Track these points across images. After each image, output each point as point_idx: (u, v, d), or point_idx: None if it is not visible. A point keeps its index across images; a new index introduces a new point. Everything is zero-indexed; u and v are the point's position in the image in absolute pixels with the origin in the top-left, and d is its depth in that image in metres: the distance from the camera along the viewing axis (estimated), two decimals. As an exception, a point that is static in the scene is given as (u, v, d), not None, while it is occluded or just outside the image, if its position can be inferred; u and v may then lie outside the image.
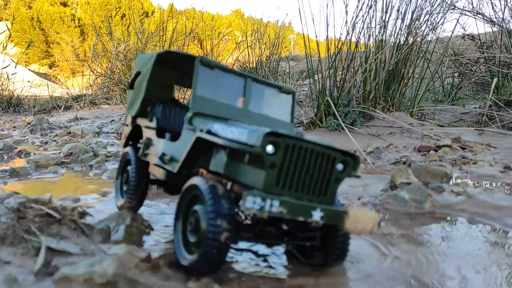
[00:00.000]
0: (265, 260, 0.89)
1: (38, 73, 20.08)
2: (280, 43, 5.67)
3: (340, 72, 2.77)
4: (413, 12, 2.77)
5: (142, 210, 1.19)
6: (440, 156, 1.90)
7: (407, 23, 2.74)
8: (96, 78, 6.63)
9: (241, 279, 0.79)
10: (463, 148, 2.04)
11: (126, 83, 5.40)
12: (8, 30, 5.93)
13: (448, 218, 1.16)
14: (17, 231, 0.80)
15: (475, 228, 1.07)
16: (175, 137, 1.03)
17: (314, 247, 0.87)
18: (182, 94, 4.34)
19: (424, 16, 2.78)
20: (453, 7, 3.83)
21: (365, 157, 1.95)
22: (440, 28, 2.99)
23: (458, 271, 0.81)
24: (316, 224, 0.76)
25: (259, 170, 0.74)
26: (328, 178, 0.77)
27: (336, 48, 2.77)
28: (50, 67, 22.45)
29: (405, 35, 2.74)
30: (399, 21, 2.77)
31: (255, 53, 5.56)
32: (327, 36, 2.84)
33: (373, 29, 2.75)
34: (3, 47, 5.63)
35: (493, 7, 4.22)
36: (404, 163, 1.85)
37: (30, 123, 3.95)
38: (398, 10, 2.78)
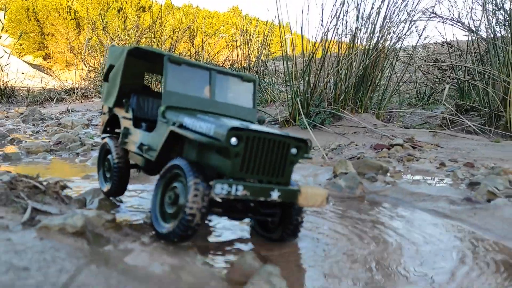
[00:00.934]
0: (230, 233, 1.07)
1: (32, 64, 20.06)
2: (268, 43, 5.85)
3: (313, 76, 2.99)
4: (382, 21, 2.99)
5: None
6: (390, 153, 2.13)
7: (376, 32, 2.97)
8: (89, 72, 6.79)
9: (207, 246, 0.98)
10: (414, 147, 2.27)
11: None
12: (0, 21, 6.06)
13: (373, 201, 1.39)
14: (9, 196, 1.01)
15: (388, 208, 1.29)
16: (150, 126, 1.16)
17: (274, 223, 1.01)
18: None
19: (392, 25, 3.01)
20: (435, 15, 4.08)
21: (323, 153, 2.17)
22: (407, 35, 3.21)
23: (373, 235, 1.03)
24: (275, 201, 0.88)
25: (226, 159, 0.87)
26: (284, 161, 0.91)
27: (310, 53, 2.99)
28: (45, 58, 22.41)
29: (374, 43, 2.97)
30: (369, 29, 3.00)
31: (243, 53, 5.76)
32: (302, 41, 3.06)
33: (345, 36, 2.98)
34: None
35: (471, 17, 4.48)
36: (358, 158, 2.08)
37: (22, 114, 4.13)
38: (369, 18, 3.01)
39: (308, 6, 3.19)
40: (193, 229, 0.84)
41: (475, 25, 3.95)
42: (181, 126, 0.96)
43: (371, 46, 2.96)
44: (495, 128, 2.81)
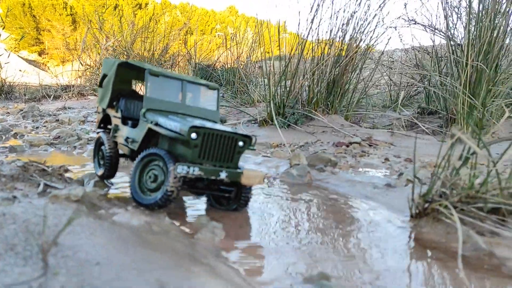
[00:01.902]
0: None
1: (27, 60, 20.16)
2: (261, 43, 6.12)
3: (289, 80, 3.32)
4: (353, 30, 3.32)
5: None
6: (347, 150, 2.46)
7: (346, 39, 3.30)
8: (85, 70, 7.06)
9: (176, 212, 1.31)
10: (370, 145, 2.60)
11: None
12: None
13: (316, 186, 1.71)
14: (25, 175, 1.32)
15: (324, 191, 1.62)
16: (134, 123, 1.41)
17: (229, 198, 1.33)
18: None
19: (361, 34, 3.34)
20: (414, 22, 4.42)
21: (288, 149, 2.50)
22: (377, 43, 3.55)
23: (304, 208, 1.35)
24: (225, 180, 1.18)
25: (188, 149, 1.17)
26: (233, 151, 1.21)
27: (286, 59, 3.32)
28: (40, 54, 22.52)
29: (344, 51, 3.30)
30: (341, 37, 3.33)
31: (233, 55, 6.07)
32: (279, 46, 3.38)
33: (318, 44, 3.30)
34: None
35: (447, 25, 4.82)
36: (315, 153, 2.41)
37: (22, 110, 4.41)
38: (343, 26, 3.34)
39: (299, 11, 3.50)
40: (170, 201, 1.15)
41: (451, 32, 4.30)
42: (156, 124, 1.25)
43: (342, 53, 3.28)
44: (449, 130, 3.15)
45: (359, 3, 3.30)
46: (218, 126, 1.23)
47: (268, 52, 5.84)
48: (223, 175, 1.17)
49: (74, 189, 1.18)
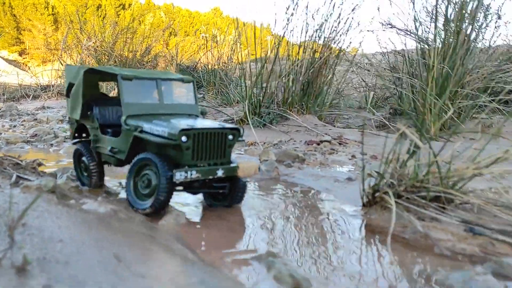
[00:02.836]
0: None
1: (7, 60, 19.77)
2: (237, 47, 6.21)
3: (264, 81, 3.42)
4: (327, 32, 3.44)
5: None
6: (317, 148, 2.57)
7: (320, 42, 3.42)
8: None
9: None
10: (340, 144, 2.72)
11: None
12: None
13: (283, 181, 1.81)
14: (-1, 168, 1.38)
15: (289, 185, 1.72)
16: (115, 131, 1.38)
17: (224, 194, 1.33)
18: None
19: (334, 37, 3.47)
20: (391, 26, 4.58)
21: (261, 147, 2.59)
22: (350, 45, 3.68)
23: (267, 199, 1.44)
24: (221, 177, 1.19)
25: (180, 152, 1.15)
26: (224, 146, 1.21)
27: (263, 60, 3.42)
28: (20, 54, 22.12)
29: (319, 53, 3.42)
30: (316, 39, 3.44)
31: (213, 56, 6.15)
32: (255, 50, 3.48)
33: (292, 46, 3.42)
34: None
35: (416, 28, 5.00)
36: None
37: (0, 109, 4.39)
38: (315, 31, 3.46)
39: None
40: (165, 204, 1.16)
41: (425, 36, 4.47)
42: (142, 131, 1.22)
43: (316, 55, 3.40)
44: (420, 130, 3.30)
45: (333, 7, 3.43)
46: (206, 123, 1.23)
47: (253, 54, 5.96)
48: (220, 173, 1.19)
49: (45, 180, 1.24)
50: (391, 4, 3.56)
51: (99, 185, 1.48)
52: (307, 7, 3.33)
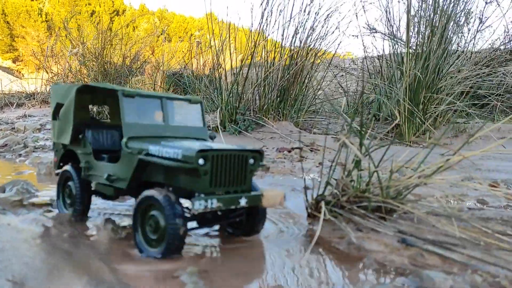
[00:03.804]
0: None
1: (0, 67, 19.73)
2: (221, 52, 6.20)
3: (240, 88, 3.42)
4: (301, 41, 3.46)
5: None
6: (287, 155, 2.57)
7: (294, 49, 3.43)
8: (52, 77, 7.00)
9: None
10: (311, 150, 2.71)
11: (82, 82, 5.83)
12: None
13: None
14: None
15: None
16: (111, 157, 1.23)
17: (241, 221, 1.17)
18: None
19: (310, 43, 3.48)
20: (375, 31, 4.60)
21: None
22: (326, 51, 3.69)
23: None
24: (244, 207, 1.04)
25: (196, 178, 0.99)
26: (245, 171, 1.05)
27: (237, 68, 3.42)
28: (14, 61, 22.09)
29: (294, 59, 3.42)
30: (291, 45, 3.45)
31: (198, 63, 6.15)
32: (231, 56, 3.48)
33: (267, 53, 3.42)
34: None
35: (393, 35, 5.03)
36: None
37: (-21, 118, 4.38)
38: (291, 37, 3.47)
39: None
40: (179, 248, 0.99)
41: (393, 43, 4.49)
42: (147, 154, 1.05)
43: (292, 62, 3.41)
44: (394, 136, 3.31)
45: (308, 13, 3.44)
46: (223, 146, 1.08)
47: (248, 60, 5.96)
48: (243, 202, 1.03)
49: (-18, 194, 1.23)
50: (364, 11, 3.58)
51: (81, 216, 1.29)
52: (280, 13, 3.34)
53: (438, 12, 3.27)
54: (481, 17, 4.68)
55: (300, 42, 3.44)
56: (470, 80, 3.56)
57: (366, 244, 1.10)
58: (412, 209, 1.21)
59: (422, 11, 3.31)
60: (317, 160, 2.44)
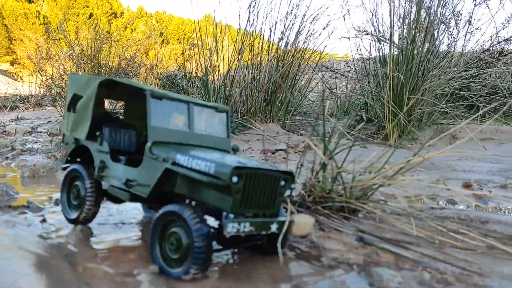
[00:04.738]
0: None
1: (-1, 70, 19.77)
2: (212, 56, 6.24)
3: (227, 89, 3.46)
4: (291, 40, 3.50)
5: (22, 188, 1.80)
6: (270, 156, 2.61)
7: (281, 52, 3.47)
8: (46, 80, 7.04)
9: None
10: (296, 152, 2.75)
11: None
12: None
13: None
14: None
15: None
16: (129, 159, 1.15)
17: (262, 244, 1.08)
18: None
19: (296, 46, 3.52)
20: (366, 33, 4.64)
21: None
22: (312, 54, 3.74)
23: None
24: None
25: (226, 196, 0.91)
26: (275, 193, 0.98)
27: (225, 70, 3.46)
28: (12, 64, 22.13)
29: (281, 61, 3.47)
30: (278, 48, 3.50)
31: (191, 65, 6.20)
32: (217, 58, 3.53)
33: (255, 57, 3.47)
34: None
35: (378, 39, 5.07)
36: (243, 161, 2.54)
37: (-28, 121, 4.41)
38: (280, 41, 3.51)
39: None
40: (208, 266, 0.92)
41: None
42: (174, 163, 0.98)
43: (280, 63, 3.46)
44: (379, 137, 3.35)
45: (295, 16, 3.49)
46: (255, 163, 0.99)
47: (245, 61, 6.00)
48: (273, 228, 0.97)
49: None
50: (349, 14, 3.62)
51: (89, 220, 1.22)
52: (265, 18, 3.38)
53: (422, 13, 3.32)
54: (469, 19, 4.74)
55: (287, 44, 3.48)
56: (455, 82, 3.61)
57: (326, 243, 1.14)
58: (374, 209, 1.25)
59: (406, 13, 3.36)
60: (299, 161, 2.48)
